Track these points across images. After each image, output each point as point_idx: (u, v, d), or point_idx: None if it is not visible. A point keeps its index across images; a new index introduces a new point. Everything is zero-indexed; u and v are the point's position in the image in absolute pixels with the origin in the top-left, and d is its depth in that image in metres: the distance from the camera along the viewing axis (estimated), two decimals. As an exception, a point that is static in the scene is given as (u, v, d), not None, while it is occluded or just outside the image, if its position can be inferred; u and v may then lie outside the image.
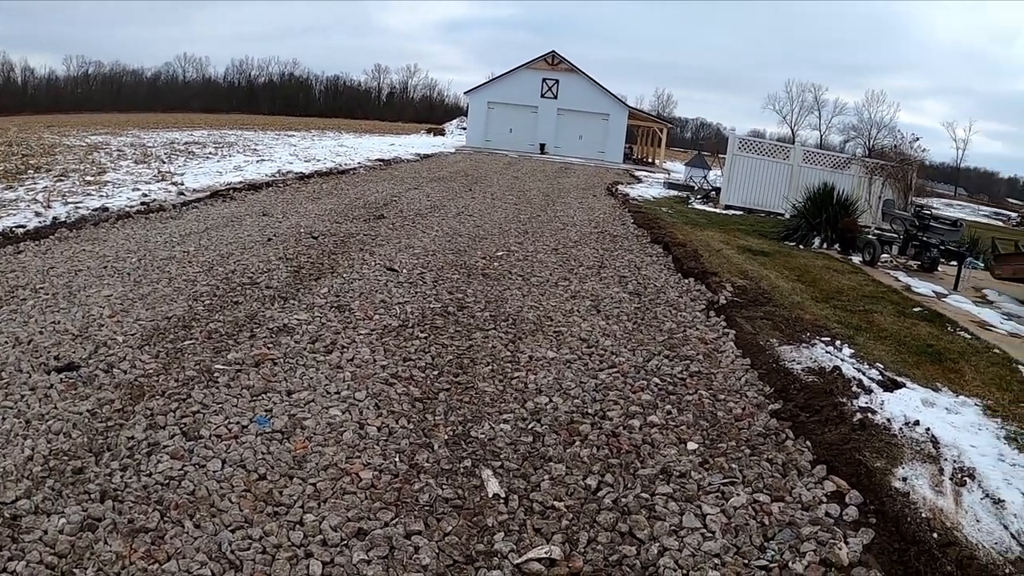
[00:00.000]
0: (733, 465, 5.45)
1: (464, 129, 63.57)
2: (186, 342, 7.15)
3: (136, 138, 34.59)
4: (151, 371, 6.41)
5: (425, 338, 7.79)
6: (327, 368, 6.69)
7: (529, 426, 5.94)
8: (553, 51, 54.25)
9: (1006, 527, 4.92)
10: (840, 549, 4.46)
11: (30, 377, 6.17)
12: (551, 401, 6.42)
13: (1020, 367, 8.16)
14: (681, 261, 12.97)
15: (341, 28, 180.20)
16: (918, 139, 25.15)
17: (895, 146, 25.33)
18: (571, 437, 5.79)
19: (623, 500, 4.89)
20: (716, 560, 4.34)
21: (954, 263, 14.56)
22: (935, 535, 4.66)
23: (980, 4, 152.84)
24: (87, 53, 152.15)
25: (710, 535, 4.56)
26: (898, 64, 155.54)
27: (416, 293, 9.51)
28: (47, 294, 8.56)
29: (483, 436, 5.71)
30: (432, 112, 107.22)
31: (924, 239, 14.99)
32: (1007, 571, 4.43)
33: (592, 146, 53.20)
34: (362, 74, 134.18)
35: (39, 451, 4.99)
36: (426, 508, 4.68)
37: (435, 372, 6.89)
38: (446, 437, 5.65)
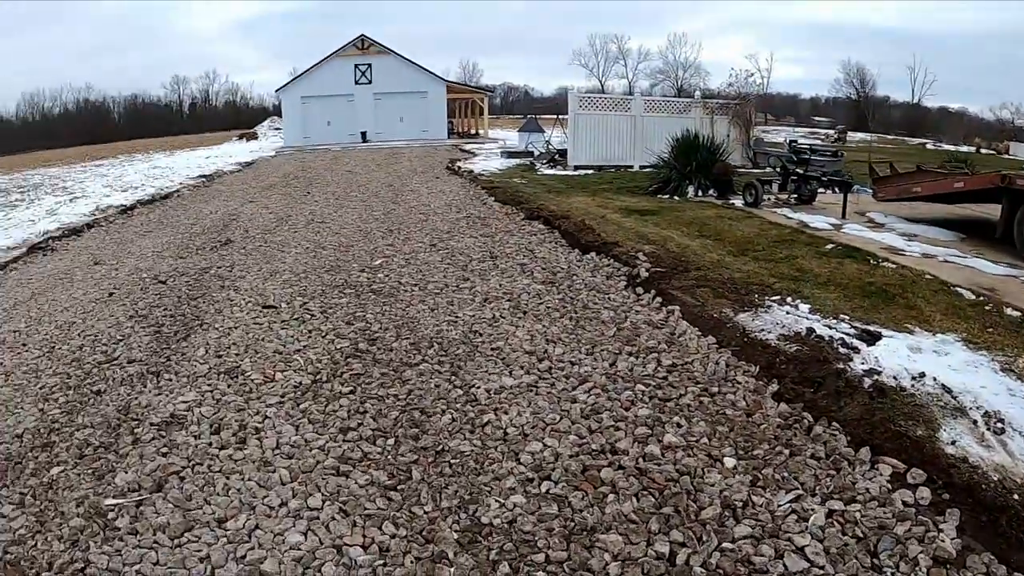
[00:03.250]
0: (783, 474, 4.76)
1: (278, 129, 61.13)
2: (54, 470, 5.34)
3: (-70, 201, 31.19)
4: (21, 533, 4.62)
5: (352, 393, 6.23)
6: (252, 469, 5.06)
7: (544, 488, 4.69)
8: (362, 35, 52.09)
9: (1068, 467, 4.89)
10: (943, 541, 4.08)
11: None
12: (545, 446, 5.17)
13: (960, 290, 8.22)
14: (573, 235, 11.97)
15: (134, 42, 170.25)
16: (752, 75, 25.73)
17: (730, 84, 25.96)
18: (598, 491, 4.65)
19: (712, 562, 4.02)
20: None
21: (823, 191, 15.03)
22: (1016, 496, 4.35)
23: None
24: None
25: (823, 571, 3.92)
26: (693, 4, 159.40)
27: (311, 332, 7.89)
28: None
29: (498, 521, 4.37)
30: (239, 117, 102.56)
31: (804, 172, 14.92)
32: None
33: (414, 126, 51.31)
34: (160, 88, 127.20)
35: None
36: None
37: (390, 441, 5.38)
38: (455, 537, 4.25)
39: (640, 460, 4.90)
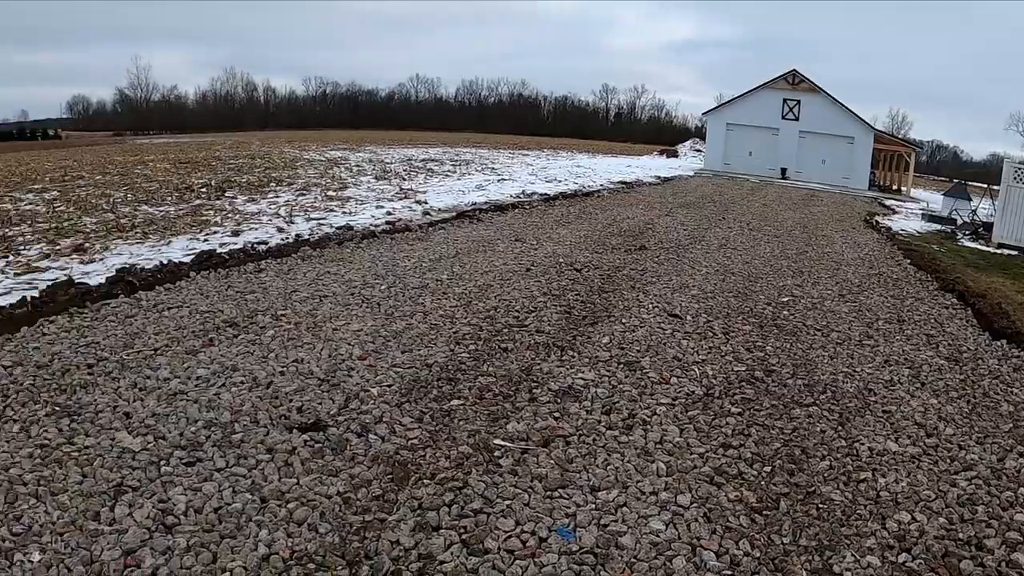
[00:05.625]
0: None
1: (698, 151, 61.94)
2: (454, 401, 6.08)
3: (373, 154, 35.16)
4: (415, 441, 5.35)
5: (740, 415, 6.36)
6: (633, 454, 5.40)
7: (900, 559, 4.52)
8: (794, 70, 51.34)
9: None
10: None
11: (268, 434, 5.32)
12: (914, 519, 4.98)
13: None
14: (986, 317, 11.12)
15: (569, 49, 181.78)
16: None
17: None
18: (953, 579, 4.43)
19: None
20: None
21: None
22: None
23: None
24: (325, 75, 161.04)
25: None
26: None
27: (711, 349, 8.11)
28: (289, 323, 7.86)
29: (848, 574, 4.31)
30: (660, 133, 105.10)
31: None
32: None
33: (835, 171, 49.57)
34: (590, 94, 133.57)
35: (277, 549, 4.01)
36: None
37: (766, 469, 5.45)
38: (804, 575, 4.29)
39: (1003, 564, 4.59)
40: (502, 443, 5.36)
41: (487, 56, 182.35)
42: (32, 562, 3.81)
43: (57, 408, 5.63)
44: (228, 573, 3.80)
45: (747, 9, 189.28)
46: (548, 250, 13.03)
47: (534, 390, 6.43)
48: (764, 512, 4.83)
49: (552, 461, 5.15)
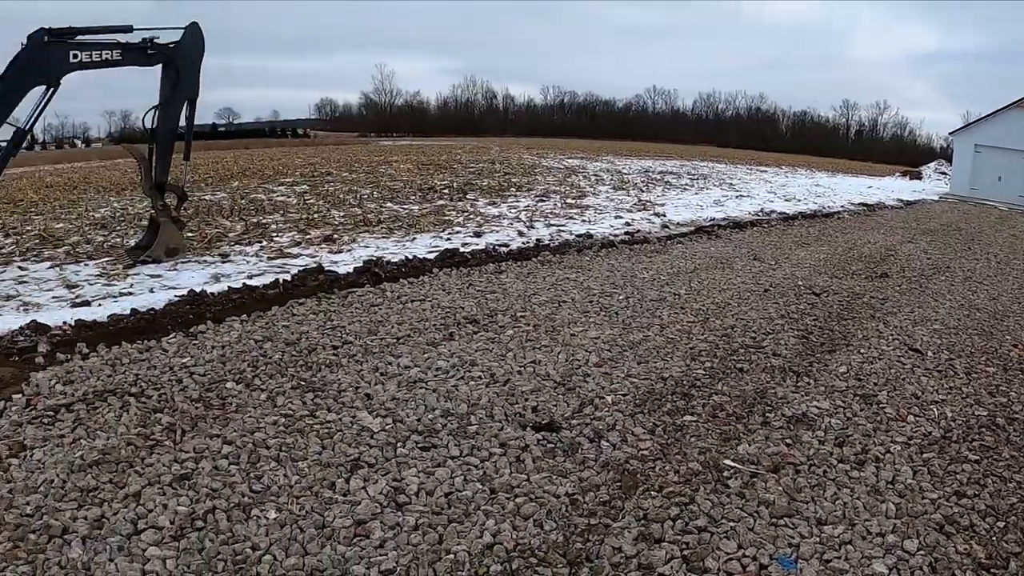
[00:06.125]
0: None
1: (943, 174, 58.46)
2: (686, 417, 6.13)
3: (611, 164, 35.48)
4: (646, 452, 5.46)
5: (977, 463, 5.93)
6: (864, 491, 5.21)
7: None
8: (1045, 86, 47.23)
9: None
10: None
11: (502, 429, 5.60)
12: None
13: None
14: None
15: (808, 62, 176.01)
16: None
17: None
18: None
19: None
20: None
21: None
22: None
23: None
24: (562, 84, 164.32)
25: None
26: None
27: (951, 389, 7.64)
28: (528, 325, 8.17)
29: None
30: (902, 153, 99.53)
31: None
32: None
33: (1093, 203, 45.31)
34: (830, 110, 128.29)
35: (502, 540, 4.22)
36: None
37: (1000, 524, 5.07)
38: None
39: None
40: (732, 464, 5.37)
41: (724, 69, 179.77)
42: (268, 519, 4.25)
43: (302, 383, 6.20)
44: (452, 555, 4.04)
45: (994, 15, 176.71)
46: (786, 271, 12.79)
47: (767, 414, 6.36)
48: (992, 570, 4.55)
49: (780, 488, 5.10)
